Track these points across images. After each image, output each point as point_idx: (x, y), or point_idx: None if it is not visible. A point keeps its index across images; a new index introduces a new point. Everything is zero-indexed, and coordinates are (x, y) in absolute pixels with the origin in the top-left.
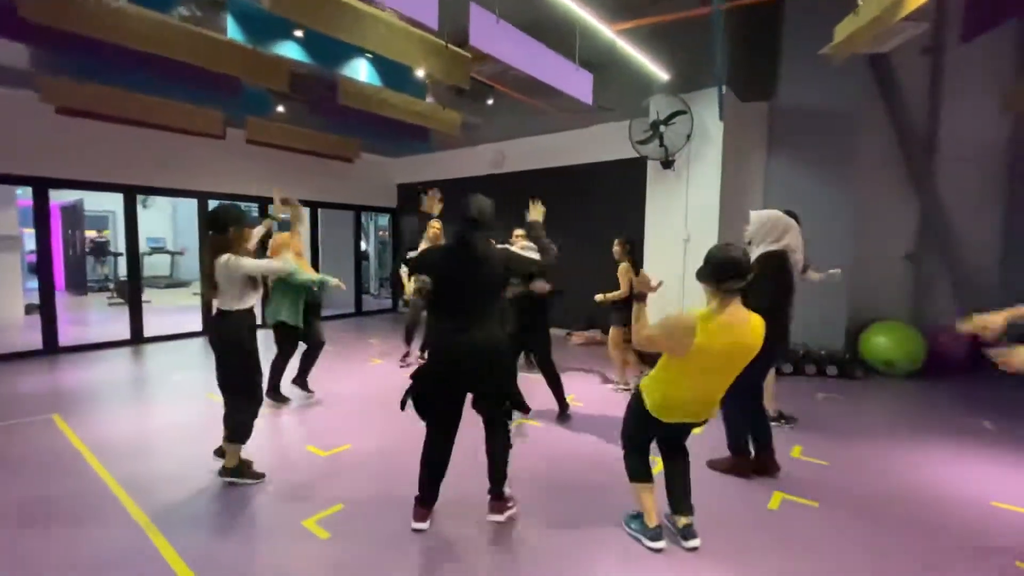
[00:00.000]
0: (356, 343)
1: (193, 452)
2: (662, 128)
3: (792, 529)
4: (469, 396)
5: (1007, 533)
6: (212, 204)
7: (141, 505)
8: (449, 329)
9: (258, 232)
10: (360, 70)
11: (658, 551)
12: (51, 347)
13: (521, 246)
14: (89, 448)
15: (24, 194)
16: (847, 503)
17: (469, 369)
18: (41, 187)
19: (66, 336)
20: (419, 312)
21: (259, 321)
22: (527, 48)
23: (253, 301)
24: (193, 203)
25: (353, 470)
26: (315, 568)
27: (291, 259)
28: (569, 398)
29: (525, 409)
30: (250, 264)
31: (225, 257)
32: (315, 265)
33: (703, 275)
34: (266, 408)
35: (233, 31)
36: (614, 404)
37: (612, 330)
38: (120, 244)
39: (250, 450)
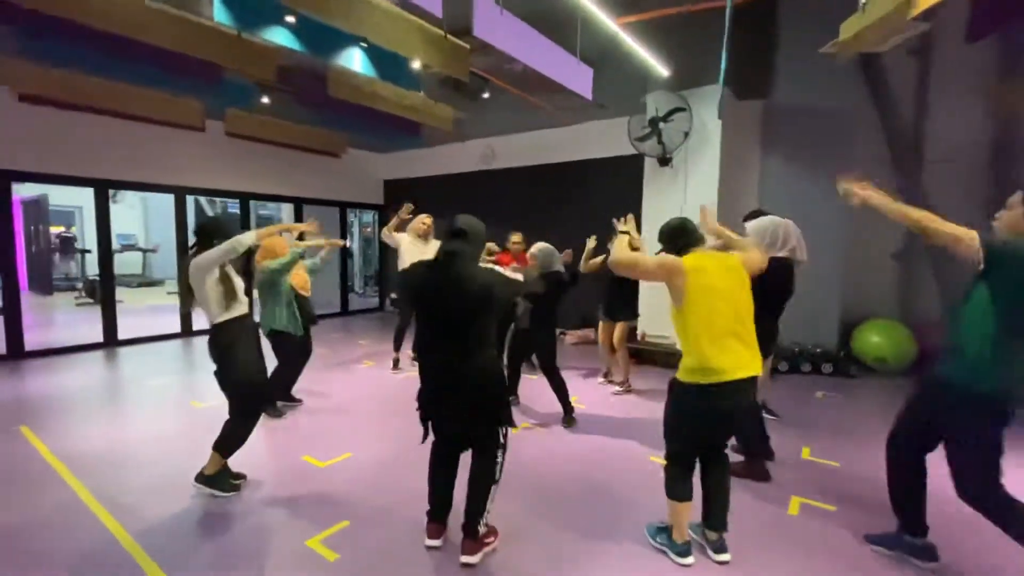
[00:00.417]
0: (345, 344)
1: (178, 464)
2: (661, 125)
3: (815, 535)
4: None
5: None
6: (190, 200)
7: (124, 524)
8: (430, 360)
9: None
10: (354, 60)
11: (686, 567)
12: (16, 352)
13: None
14: (62, 462)
15: None
16: (863, 506)
17: (452, 407)
18: (3, 180)
19: (32, 339)
20: (409, 316)
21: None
22: (530, 40)
23: (242, 309)
24: (165, 198)
25: (356, 481)
26: None
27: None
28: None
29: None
30: (211, 254)
31: (192, 261)
32: None
33: (664, 247)
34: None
35: (220, 14)
36: (615, 404)
37: (619, 328)
38: (88, 241)
39: (242, 461)
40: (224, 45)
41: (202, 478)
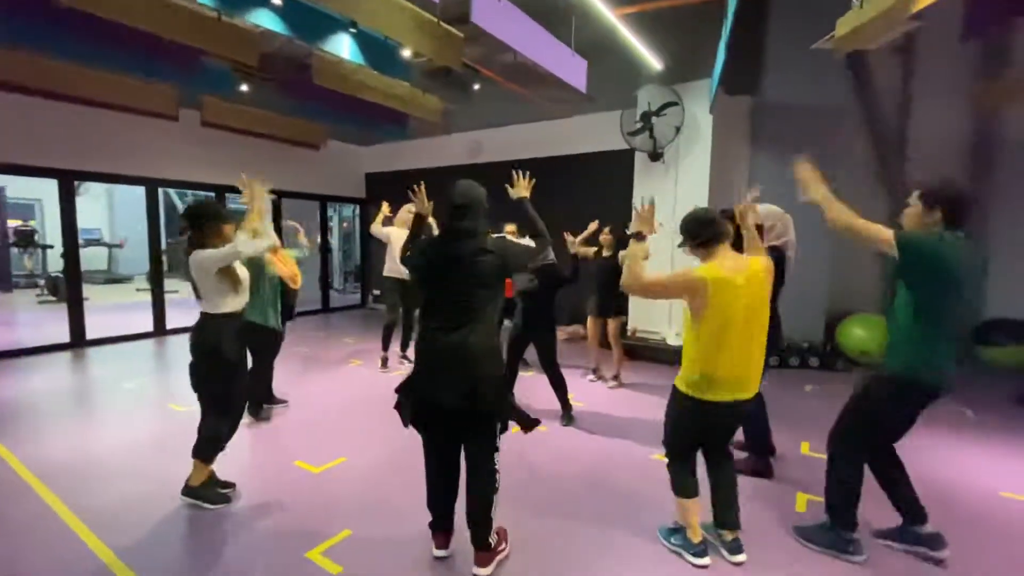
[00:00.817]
0: (330, 343)
1: (161, 473)
2: (653, 119)
3: None
4: None
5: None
6: (162, 192)
7: (105, 540)
8: (432, 328)
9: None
10: (342, 46)
11: (703, 567)
12: None
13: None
14: (34, 474)
15: None
16: (868, 501)
17: (447, 377)
18: None
19: None
20: (397, 312)
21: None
22: (527, 29)
23: (235, 305)
24: (131, 190)
25: (353, 487)
26: None
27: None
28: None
29: (527, 425)
30: (213, 254)
31: (193, 254)
32: None
33: (684, 240)
34: (246, 420)
35: None
36: (611, 400)
37: (612, 324)
38: (50, 235)
39: (230, 468)
40: (203, 27)
41: (188, 491)
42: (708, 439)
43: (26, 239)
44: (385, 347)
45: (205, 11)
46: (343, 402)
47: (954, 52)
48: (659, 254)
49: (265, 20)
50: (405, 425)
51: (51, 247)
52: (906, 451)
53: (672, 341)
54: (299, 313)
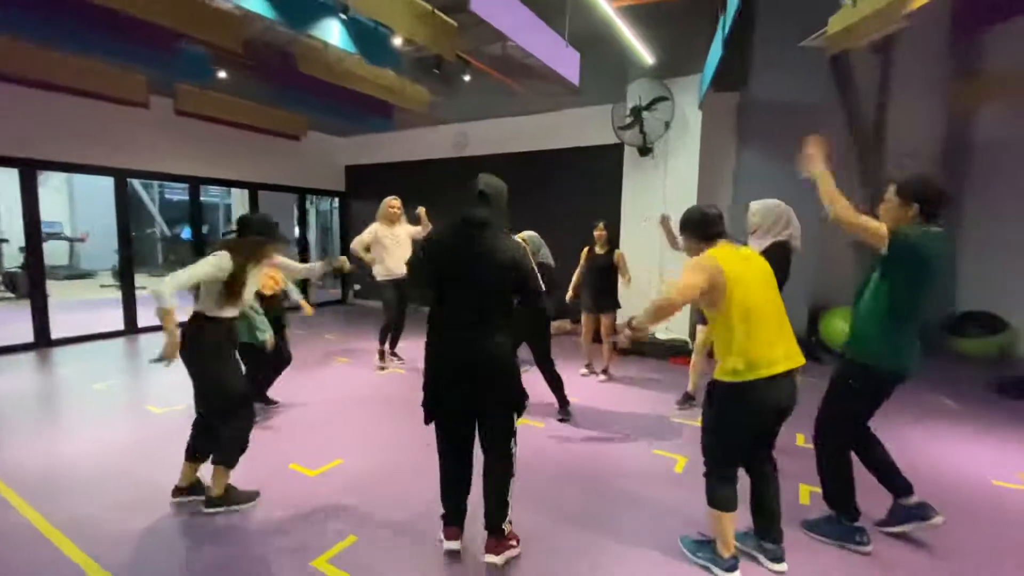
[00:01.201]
0: (311, 341)
1: (146, 479)
2: (644, 114)
3: None
4: None
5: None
6: (131, 183)
7: (92, 554)
8: (446, 324)
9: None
10: (331, 32)
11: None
12: None
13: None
14: (5, 483)
15: None
16: (867, 490)
17: (463, 384)
18: None
19: None
20: (395, 311)
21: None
22: (523, 19)
23: (235, 312)
24: (93, 181)
25: (353, 490)
26: None
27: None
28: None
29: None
30: (178, 276)
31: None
32: None
33: (688, 233)
34: None
35: None
36: (606, 395)
37: (606, 320)
38: (6, 228)
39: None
40: (182, 8)
41: (212, 502)
42: (762, 429)
43: None
44: (382, 342)
45: None
46: (333, 402)
47: (930, 53)
48: (649, 253)
49: (250, 2)
50: (427, 422)
51: (7, 241)
52: (894, 444)
53: (661, 335)
54: None
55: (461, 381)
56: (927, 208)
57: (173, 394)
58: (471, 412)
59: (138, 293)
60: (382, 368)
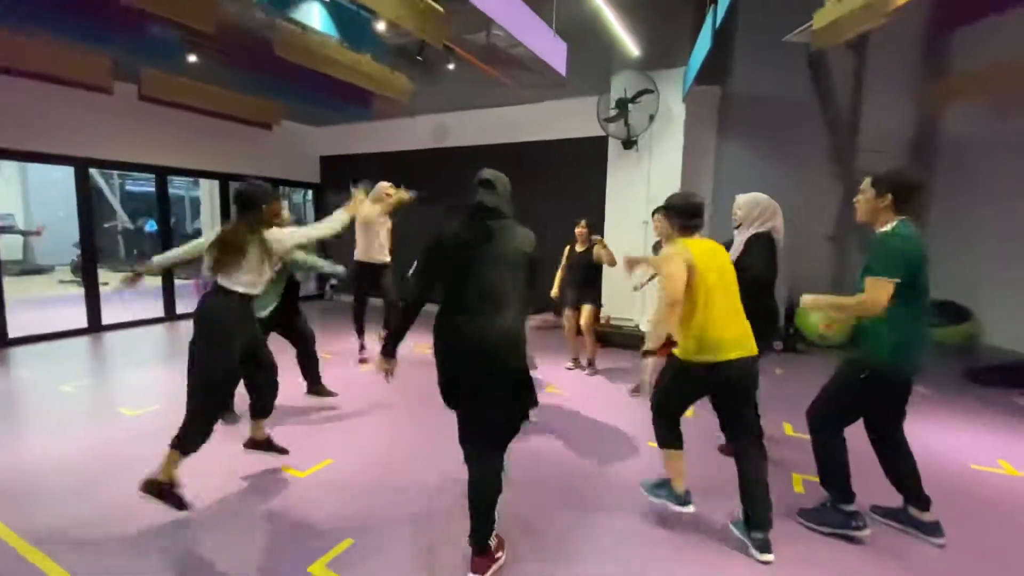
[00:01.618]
0: None
1: (122, 485)
2: (629, 106)
3: None
4: None
5: (1008, 495)
6: (93, 173)
7: (70, 569)
8: (459, 318)
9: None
10: (311, 15)
11: (690, 512)
12: None
13: None
14: None
15: None
16: (857, 479)
17: (478, 368)
18: None
19: None
20: (362, 296)
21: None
22: (512, 6)
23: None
24: (48, 172)
25: (345, 491)
26: None
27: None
28: (550, 388)
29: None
30: (298, 232)
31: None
32: None
33: (671, 216)
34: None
35: None
36: (594, 389)
37: (586, 312)
38: None
39: (209, 478)
40: None
41: (149, 485)
42: (725, 404)
43: None
44: (361, 333)
45: None
46: (316, 399)
47: (902, 51)
48: (627, 244)
49: None
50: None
51: None
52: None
53: (645, 327)
54: None
55: (479, 362)
56: (900, 199)
57: (146, 395)
58: (496, 411)
59: (102, 290)
60: (364, 361)
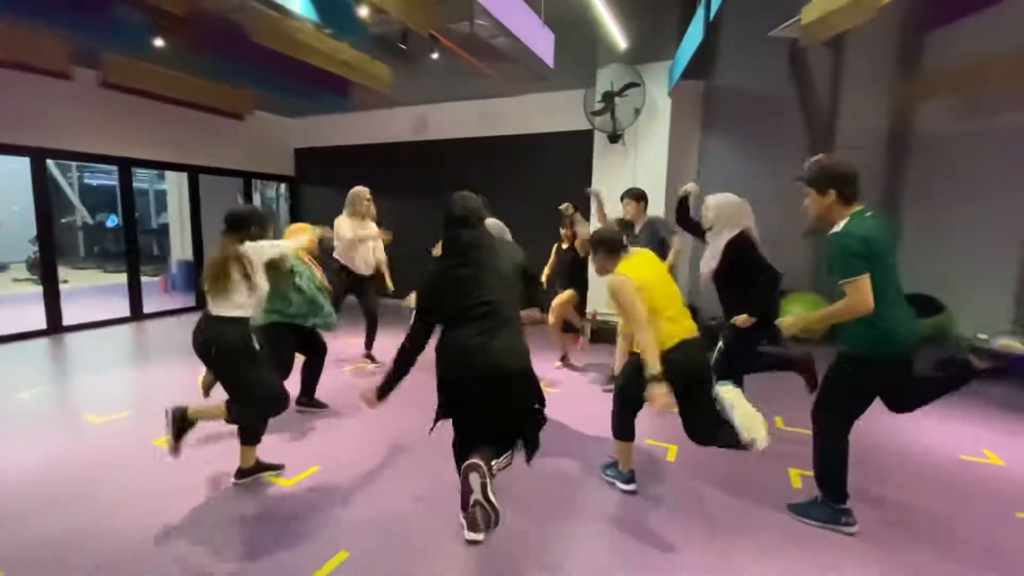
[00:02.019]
0: None
1: (93, 498)
2: (616, 100)
3: None
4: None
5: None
6: (50, 164)
7: None
8: (464, 338)
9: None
10: None
11: (632, 492)
12: None
13: None
14: None
15: None
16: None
17: (483, 391)
18: None
19: None
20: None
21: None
22: None
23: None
24: (5, 163)
25: (335, 500)
26: None
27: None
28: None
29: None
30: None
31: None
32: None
33: (603, 251)
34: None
35: None
36: (586, 387)
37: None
38: None
39: (190, 494)
40: None
41: (242, 473)
42: (682, 393)
43: None
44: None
45: None
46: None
47: (878, 50)
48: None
49: None
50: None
51: None
52: (859, 421)
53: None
54: None
55: (491, 384)
56: (843, 191)
57: (114, 401)
58: (497, 414)
59: (62, 288)
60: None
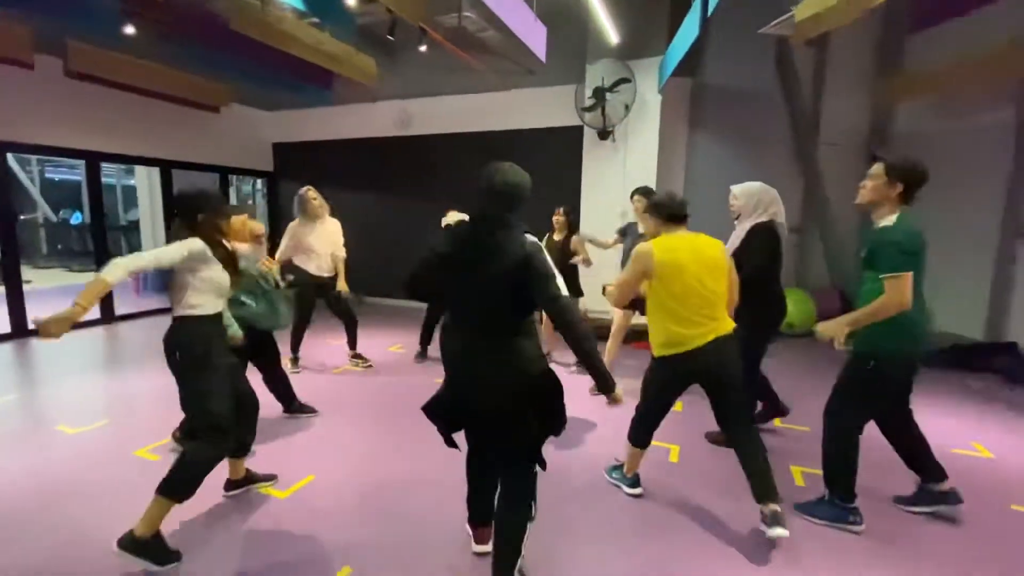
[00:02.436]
0: None
1: (68, 515)
2: (607, 96)
3: None
4: None
5: (985, 476)
6: (11, 158)
7: None
8: (457, 349)
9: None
10: None
11: (638, 496)
12: None
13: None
14: None
15: None
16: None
17: (476, 408)
18: None
19: None
20: (306, 311)
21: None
22: None
23: (213, 309)
24: None
25: (333, 511)
26: None
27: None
28: None
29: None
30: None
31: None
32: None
33: (655, 211)
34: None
35: None
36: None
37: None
38: None
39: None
40: None
41: (129, 542)
42: (711, 391)
43: None
44: (295, 348)
45: None
46: (279, 408)
47: (860, 50)
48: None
49: None
50: (449, 444)
51: None
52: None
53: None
54: None
55: (479, 392)
56: (910, 190)
57: (88, 409)
58: (491, 423)
59: (25, 289)
60: (296, 371)
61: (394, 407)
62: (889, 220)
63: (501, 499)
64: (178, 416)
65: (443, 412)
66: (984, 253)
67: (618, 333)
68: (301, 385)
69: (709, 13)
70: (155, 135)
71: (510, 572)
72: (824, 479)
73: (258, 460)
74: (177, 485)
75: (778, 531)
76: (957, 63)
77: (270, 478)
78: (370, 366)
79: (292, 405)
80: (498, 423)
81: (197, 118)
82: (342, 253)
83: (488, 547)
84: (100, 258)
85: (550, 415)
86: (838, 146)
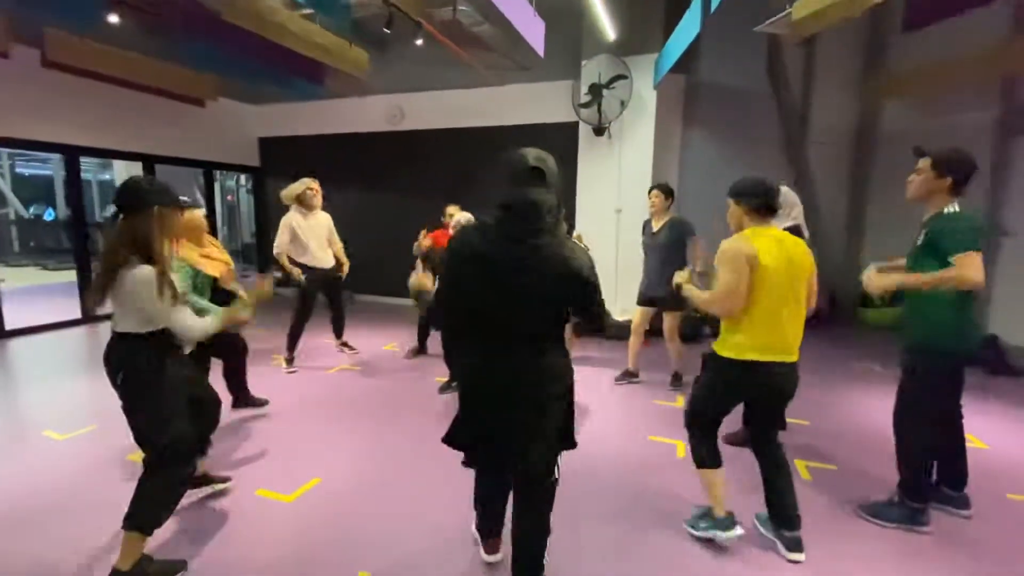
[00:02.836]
0: None
1: (59, 526)
2: (604, 92)
3: (840, 495)
4: None
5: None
6: None
7: None
8: (477, 363)
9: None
10: None
11: (739, 537)
12: None
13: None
14: None
15: None
16: (858, 463)
17: (499, 421)
18: None
19: None
20: (308, 306)
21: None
22: None
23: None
24: None
25: (343, 514)
26: None
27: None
28: None
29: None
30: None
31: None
32: None
33: (744, 200)
34: None
35: None
36: (583, 382)
37: None
38: None
39: (181, 509)
40: None
41: None
42: (757, 406)
43: None
44: (291, 348)
45: None
46: (288, 408)
47: (848, 50)
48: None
49: None
50: (470, 465)
51: None
52: (837, 409)
53: (618, 317)
54: None
55: (505, 405)
56: (959, 183)
57: (76, 413)
58: (510, 440)
59: (1, 287)
60: (291, 372)
61: (394, 407)
62: (952, 207)
63: (521, 516)
64: None
65: (467, 440)
66: None
67: (638, 329)
68: (298, 385)
69: (712, 10)
70: (137, 129)
71: None
72: (899, 485)
73: (258, 460)
74: (145, 520)
75: (798, 555)
76: (941, 63)
77: (225, 479)
78: (355, 352)
79: (242, 401)
80: (521, 439)
81: (181, 111)
82: (339, 243)
83: (498, 557)
84: (81, 256)
85: (567, 429)
86: (825, 144)
